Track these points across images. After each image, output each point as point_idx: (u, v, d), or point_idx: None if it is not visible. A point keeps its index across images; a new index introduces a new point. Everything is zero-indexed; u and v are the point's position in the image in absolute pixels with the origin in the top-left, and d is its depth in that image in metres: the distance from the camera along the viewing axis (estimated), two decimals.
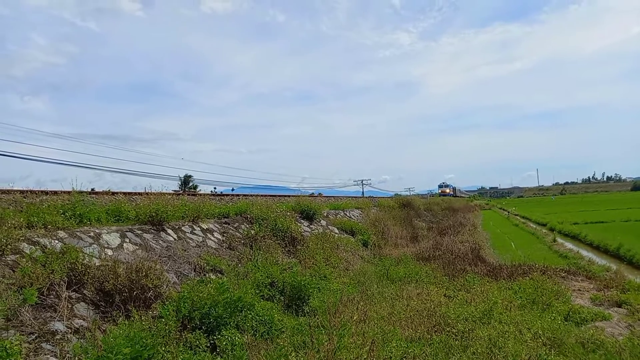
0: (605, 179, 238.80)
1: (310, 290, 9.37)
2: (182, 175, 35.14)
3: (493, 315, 8.19)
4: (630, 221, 31.61)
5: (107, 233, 7.97)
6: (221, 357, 5.80)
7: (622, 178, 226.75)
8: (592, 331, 7.90)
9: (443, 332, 7.26)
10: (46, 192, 9.82)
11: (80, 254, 6.53)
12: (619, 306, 10.45)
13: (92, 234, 7.63)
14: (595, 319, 9.27)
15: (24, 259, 5.87)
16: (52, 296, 5.68)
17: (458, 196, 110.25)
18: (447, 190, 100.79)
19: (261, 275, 9.41)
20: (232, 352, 5.98)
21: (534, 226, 35.78)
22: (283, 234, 13.13)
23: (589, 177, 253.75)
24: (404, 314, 8.22)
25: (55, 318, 5.41)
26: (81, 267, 6.32)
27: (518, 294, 10.62)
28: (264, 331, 7.11)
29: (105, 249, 7.48)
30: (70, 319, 5.58)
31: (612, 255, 19.48)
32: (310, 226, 16.73)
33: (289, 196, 21.88)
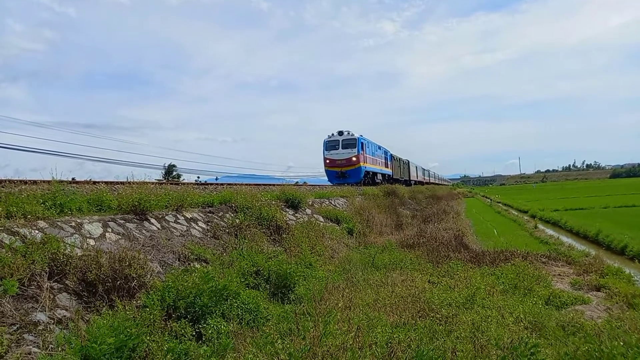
0: (585, 167, 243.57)
1: (296, 278, 9.39)
2: (165, 164, 34.82)
3: (476, 300, 8.32)
4: (609, 208, 32.32)
5: (89, 223, 7.84)
6: (207, 345, 5.78)
7: (602, 166, 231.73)
8: (572, 314, 8.08)
9: (427, 317, 7.34)
10: (25, 182, 9.58)
11: (62, 244, 6.41)
12: (598, 290, 10.72)
13: (73, 223, 7.50)
14: (575, 302, 9.49)
15: (4, 250, 5.74)
16: (33, 287, 5.58)
17: (413, 182, 56.45)
18: (354, 159, 31.62)
19: (246, 264, 9.38)
20: (217, 340, 5.97)
21: (516, 213, 36.37)
22: (268, 222, 13.08)
23: (569, 165, 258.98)
24: (388, 301, 8.29)
25: (37, 309, 5.32)
26: (63, 257, 6.20)
27: (500, 280, 10.79)
28: (250, 319, 7.10)
29: (87, 239, 7.35)
30: (52, 309, 5.49)
31: (592, 241, 19.93)
32: (296, 215, 16.71)
33: (273, 185, 21.74)
